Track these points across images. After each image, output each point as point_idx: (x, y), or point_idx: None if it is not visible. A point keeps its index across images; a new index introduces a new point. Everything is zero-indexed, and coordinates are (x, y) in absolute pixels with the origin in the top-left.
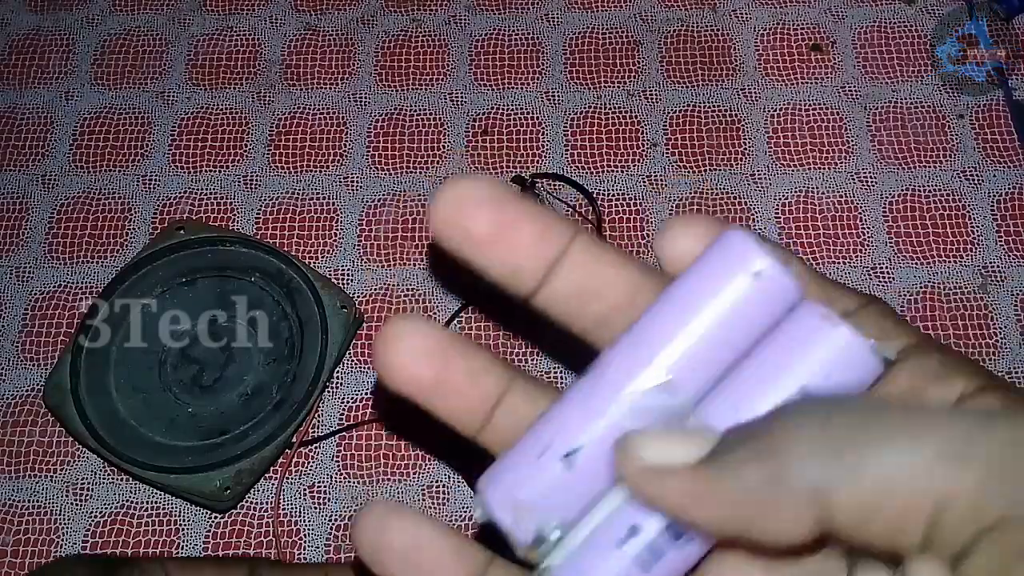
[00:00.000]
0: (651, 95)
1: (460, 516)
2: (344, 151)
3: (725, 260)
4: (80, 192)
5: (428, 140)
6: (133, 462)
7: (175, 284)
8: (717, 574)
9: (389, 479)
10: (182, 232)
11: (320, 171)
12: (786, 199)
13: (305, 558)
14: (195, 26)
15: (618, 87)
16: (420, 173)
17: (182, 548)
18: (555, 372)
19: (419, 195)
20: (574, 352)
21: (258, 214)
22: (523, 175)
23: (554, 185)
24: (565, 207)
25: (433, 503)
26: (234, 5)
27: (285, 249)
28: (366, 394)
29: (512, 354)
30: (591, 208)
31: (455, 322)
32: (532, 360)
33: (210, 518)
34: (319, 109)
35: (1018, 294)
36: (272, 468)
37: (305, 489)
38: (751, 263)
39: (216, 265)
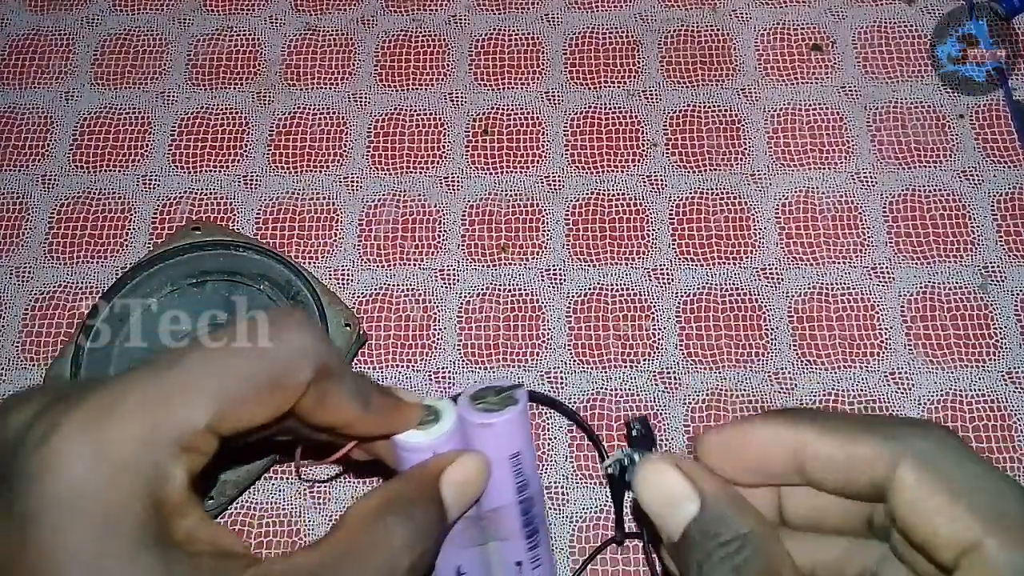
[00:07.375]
0: (651, 95)
1: None
2: (344, 151)
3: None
4: (80, 192)
5: (428, 140)
6: None
7: (184, 284)
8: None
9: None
10: (198, 232)
11: (320, 171)
12: (786, 199)
13: None
14: (195, 26)
15: (618, 87)
16: (420, 173)
17: None
18: (555, 372)
19: (419, 195)
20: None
21: (258, 214)
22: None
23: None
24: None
25: None
26: (234, 5)
27: (287, 252)
28: None
29: (513, 354)
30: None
31: (455, 320)
32: (532, 360)
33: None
34: (319, 109)
35: (1018, 294)
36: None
37: (305, 489)
38: None
39: (226, 269)
